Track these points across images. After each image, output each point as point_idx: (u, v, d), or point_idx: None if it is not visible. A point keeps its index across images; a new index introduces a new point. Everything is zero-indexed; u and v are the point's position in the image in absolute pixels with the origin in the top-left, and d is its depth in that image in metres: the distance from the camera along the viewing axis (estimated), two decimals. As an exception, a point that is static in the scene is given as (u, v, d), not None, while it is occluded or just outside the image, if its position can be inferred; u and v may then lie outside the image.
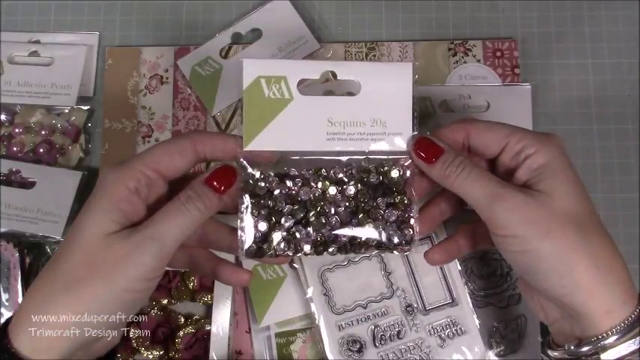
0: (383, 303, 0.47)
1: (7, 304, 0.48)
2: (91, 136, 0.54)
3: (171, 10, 0.56)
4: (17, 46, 0.55)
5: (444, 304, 0.47)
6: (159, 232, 0.30)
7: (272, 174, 0.34)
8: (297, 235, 0.34)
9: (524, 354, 0.48)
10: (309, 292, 0.47)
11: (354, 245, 0.35)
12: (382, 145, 0.35)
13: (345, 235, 0.35)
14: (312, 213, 0.34)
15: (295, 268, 0.48)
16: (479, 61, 0.53)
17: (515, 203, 0.31)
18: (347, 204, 0.35)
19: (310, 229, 0.34)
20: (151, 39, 0.56)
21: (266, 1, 0.55)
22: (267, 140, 0.34)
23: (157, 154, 0.32)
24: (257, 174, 0.34)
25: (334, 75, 0.35)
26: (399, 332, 0.47)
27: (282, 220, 0.34)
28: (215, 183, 0.32)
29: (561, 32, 0.55)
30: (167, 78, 0.54)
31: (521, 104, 0.52)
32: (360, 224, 0.35)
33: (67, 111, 0.54)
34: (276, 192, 0.34)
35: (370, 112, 0.35)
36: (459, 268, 0.48)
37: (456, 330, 0.47)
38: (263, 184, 0.34)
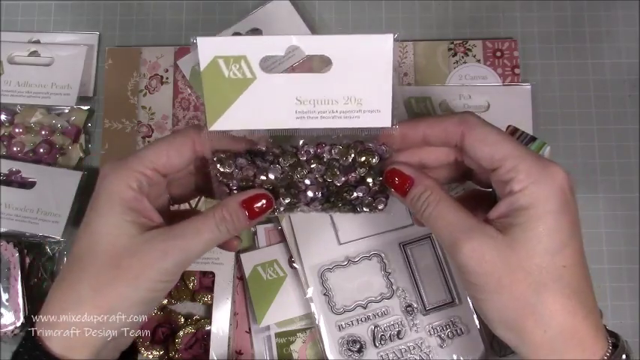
0: (383, 303, 0.47)
1: (7, 304, 0.48)
2: (91, 136, 0.54)
3: (171, 10, 0.56)
4: (17, 46, 0.55)
5: (444, 304, 0.47)
6: (188, 246, 0.31)
7: (240, 155, 0.34)
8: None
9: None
10: (309, 292, 0.47)
11: (326, 207, 0.35)
12: (357, 123, 0.33)
13: (316, 206, 0.35)
14: (281, 191, 0.34)
15: (295, 268, 0.48)
16: (479, 61, 0.53)
17: (473, 251, 0.30)
18: (315, 181, 0.34)
19: (281, 199, 0.34)
20: (151, 39, 0.56)
21: (266, 1, 0.55)
22: (232, 120, 0.32)
23: (155, 153, 0.32)
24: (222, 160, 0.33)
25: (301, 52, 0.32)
26: (399, 332, 0.47)
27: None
28: (251, 208, 0.33)
29: (561, 32, 0.55)
30: (167, 78, 0.54)
31: (521, 104, 0.52)
32: (330, 205, 0.35)
33: (67, 111, 0.54)
34: (244, 172, 0.34)
35: (343, 90, 0.32)
36: (459, 268, 0.48)
37: (456, 330, 0.47)
38: (231, 166, 0.33)
